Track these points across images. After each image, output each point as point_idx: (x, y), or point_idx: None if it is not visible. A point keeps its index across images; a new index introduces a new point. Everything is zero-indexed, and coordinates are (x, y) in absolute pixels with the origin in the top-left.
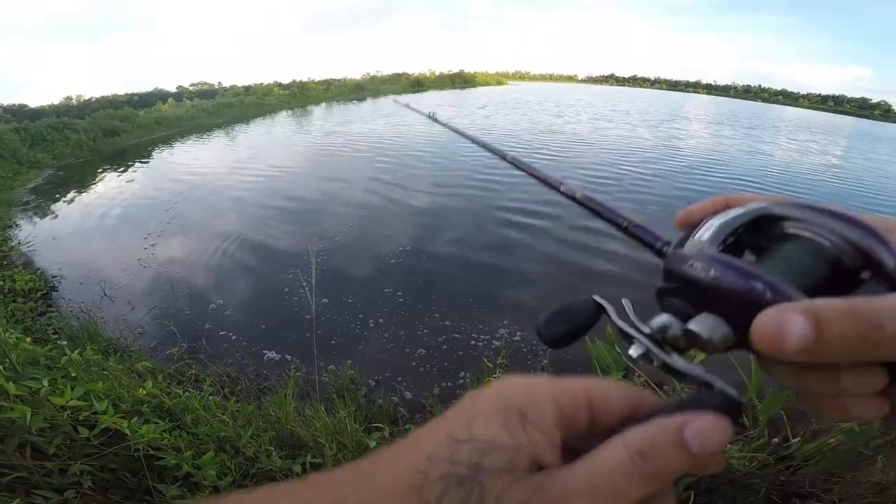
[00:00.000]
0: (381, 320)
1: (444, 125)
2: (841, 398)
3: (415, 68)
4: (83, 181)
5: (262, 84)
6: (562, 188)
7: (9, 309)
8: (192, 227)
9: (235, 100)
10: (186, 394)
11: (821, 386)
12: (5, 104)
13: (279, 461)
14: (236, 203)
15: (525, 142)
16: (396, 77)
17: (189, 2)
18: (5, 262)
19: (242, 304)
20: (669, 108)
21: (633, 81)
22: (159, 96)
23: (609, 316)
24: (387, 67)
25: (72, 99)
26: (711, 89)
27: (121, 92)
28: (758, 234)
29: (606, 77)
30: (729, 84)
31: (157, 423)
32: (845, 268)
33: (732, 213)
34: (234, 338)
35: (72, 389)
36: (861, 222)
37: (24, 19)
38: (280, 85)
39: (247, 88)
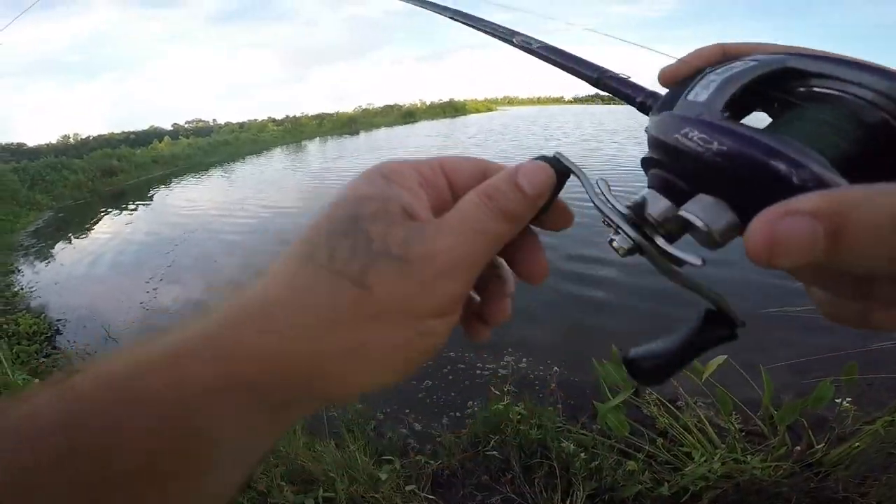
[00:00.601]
0: None
1: None
2: (878, 309)
3: (405, 99)
4: (83, 223)
5: (256, 120)
6: (515, 39)
7: (14, 351)
8: (192, 271)
9: (231, 136)
10: None
11: (855, 291)
12: (4, 143)
13: (291, 495)
14: (233, 247)
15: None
16: (388, 109)
17: (175, 44)
18: (9, 308)
19: None
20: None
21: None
22: (155, 134)
23: (582, 181)
24: (378, 100)
25: (69, 138)
26: None
27: (117, 130)
28: (771, 92)
29: (592, 97)
30: None
31: None
32: (884, 142)
33: (739, 65)
34: None
35: None
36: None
37: (19, 59)
38: (274, 121)
39: (241, 125)
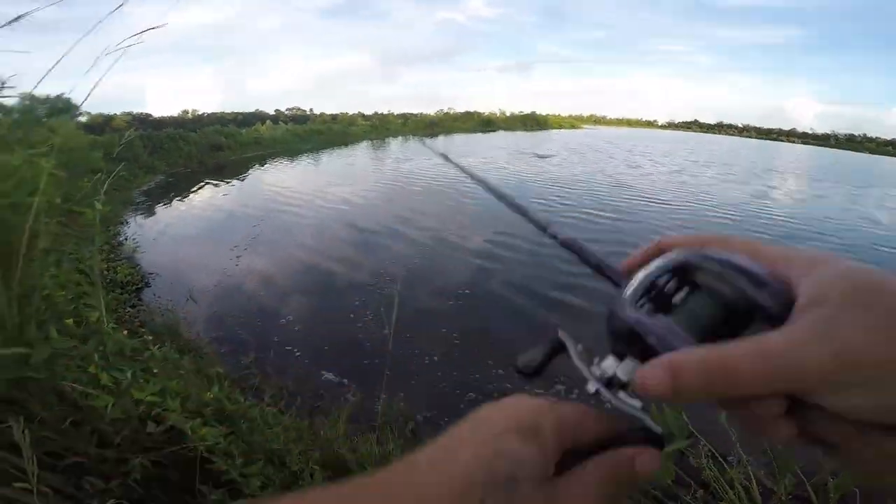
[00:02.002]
0: (435, 359)
1: (455, 164)
2: (755, 421)
3: (485, 107)
4: (187, 190)
5: (347, 114)
6: (548, 230)
7: (108, 297)
8: (274, 246)
9: (324, 127)
10: (247, 402)
11: (738, 411)
12: (135, 112)
13: (322, 482)
14: (309, 230)
15: (594, 196)
16: (468, 115)
17: (286, 34)
18: (112, 255)
19: (309, 323)
20: (760, 160)
21: (719, 129)
22: (258, 118)
23: (568, 353)
24: (459, 105)
25: (188, 113)
26: (808, 138)
27: (228, 110)
28: (688, 273)
29: (689, 123)
30: (828, 132)
31: (215, 426)
32: (739, 310)
33: (654, 264)
34: (297, 354)
35: (151, 384)
36: (748, 270)
37: (162, 40)
38: (363, 116)
39: (334, 117)
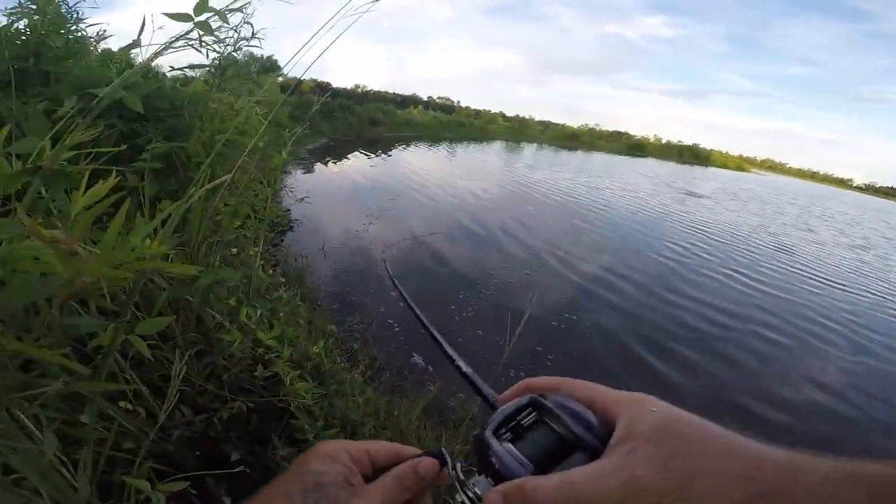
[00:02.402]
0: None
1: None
2: None
3: (637, 130)
4: (342, 155)
5: (489, 111)
6: (455, 362)
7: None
8: (404, 221)
9: (466, 120)
10: (341, 364)
11: None
12: (318, 80)
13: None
14: (432, 213)
15: (741, 255)
16: (616, 135)
17: (452, 25)
18: (271, 199)
19: (415, 304)
20: None
21: None
22: (413, 101)
23: (448, 468)
24: (606, 123)
25: (359, 88)
26: None
27: (390, 90)
28: (537, 411)
29: (894, 189)
30: None
31: (309, 382)
32: (569, 442)
33: (514, 402)
34: (396, 329)
35: (275, 328)
36: (577, 413)
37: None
38: (504, 116)
39: (477, 112)
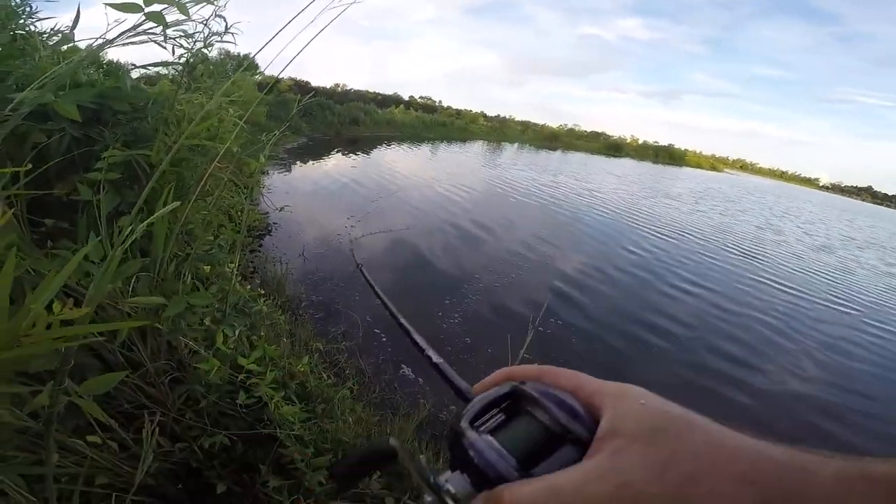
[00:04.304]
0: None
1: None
2: None
3: (614, 130)
4: (321, 155)
5: (470, 111)
6: (426, 352)
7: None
8: (387, 224)
9: (448, 120)
10: (329, 380)
11: None
12: (297, 78)
13: (377, 486)
14: (416, 215)
15: (699, 257)
16: (594, 135)
17: (434, 25)
18: (248, 200)
19: (403, 308)
20: None
21: None
22: (394, 100)
23: (402, 460)
24: (585, 123)
25: (338, 86)
26: None
27: (371, 89)
28: (518, 400)
29: (860, 189)
30: None
31: (296, 404)
32: (556, 434)
33: (494, 390)
34: (383, 339)
35: (253, 349)
36: (564, 402)
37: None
38: (485, 116)
39: (458, 112)
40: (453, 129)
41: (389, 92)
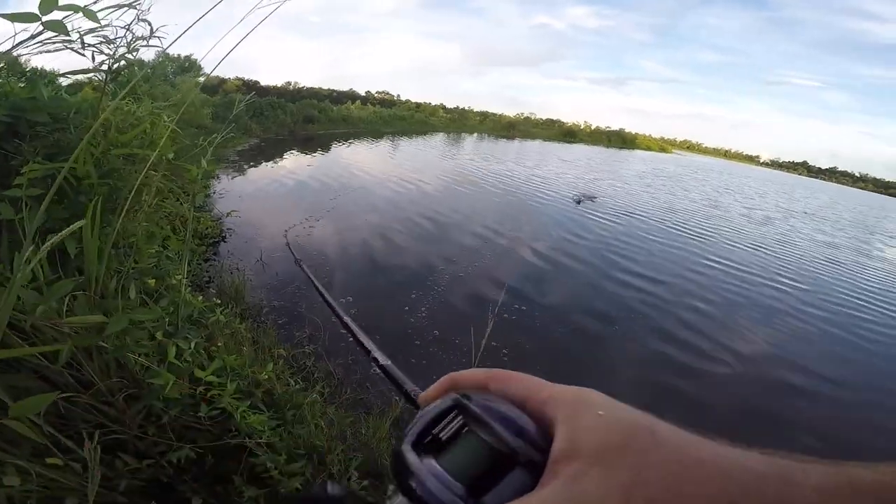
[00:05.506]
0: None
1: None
2: None
3: (569, 117)
4: (276, 155)
5: (429, 104)
6: (371, 353)
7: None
8: (344, 223)
9: (407, 114)
10: (297, 386)
11: None
12: (245, 78)
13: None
14: (378, 211)
15: (636, 237)
16: (549, 123)
17: (391, 18)
18: (199, 207)
19: (368, 308)
20: (878, 221)
21: (831, 175)
22: (350, 96)
23: None
24: (541, 111)
25: (290, 84)
26: None
27: (325, 86)
28: (462, 415)
29: (797, 164)
30: None
31: (263, 412)
32: (503, 455)
33: (434, 405)
34: (350, 339)
35: (214, 361)
36: (507, 417)
37: (278, 12)
38: (444, 108)
39: (417, 105)
40: (413, 123)
41: (345, 88)
